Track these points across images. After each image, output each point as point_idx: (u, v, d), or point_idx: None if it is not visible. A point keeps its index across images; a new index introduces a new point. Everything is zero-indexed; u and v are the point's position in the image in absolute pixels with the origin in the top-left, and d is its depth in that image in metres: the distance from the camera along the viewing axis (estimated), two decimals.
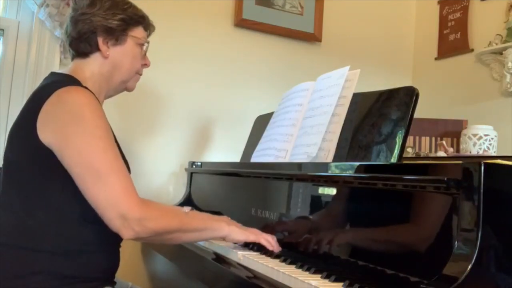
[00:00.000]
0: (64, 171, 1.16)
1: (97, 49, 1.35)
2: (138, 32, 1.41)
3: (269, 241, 1.32)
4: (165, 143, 2.31)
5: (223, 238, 1.33)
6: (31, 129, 1.18)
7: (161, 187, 2.29)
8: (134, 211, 1.12)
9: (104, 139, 1.17)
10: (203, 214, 1.47)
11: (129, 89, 1.48)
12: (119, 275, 1.39)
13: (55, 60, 2.08)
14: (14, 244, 1.19)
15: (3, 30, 2.08)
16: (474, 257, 0.85)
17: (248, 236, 1.32)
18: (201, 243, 1.51)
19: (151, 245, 2.05)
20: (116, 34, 1.36)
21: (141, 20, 1.42)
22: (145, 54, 1.46)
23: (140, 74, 1.48)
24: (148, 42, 1.45)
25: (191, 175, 2.17)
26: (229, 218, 1.41)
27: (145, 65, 1.48)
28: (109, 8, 1.35)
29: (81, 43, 1.35)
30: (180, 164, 2.32)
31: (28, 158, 1.21)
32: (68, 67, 1.38)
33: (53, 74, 1.35)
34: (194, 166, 2.15)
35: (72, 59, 1.39)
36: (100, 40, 1.34)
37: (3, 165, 1.28)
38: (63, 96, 1.19)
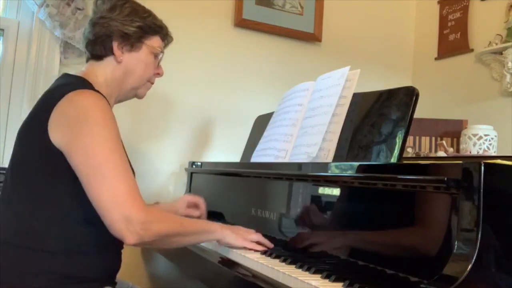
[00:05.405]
0: (72, 172, 1.17)
1: (111, 53, 1.36)
2: (154, 41, 1.42)
3: (259, 241, 1.36)
4: (165, 143, 2.30)
5: (218, 241, 1.36)
6: (42, 131, 1.18)
7: (161, 187, 2.29)
8: (139, 213, 1.12)
9: (112, 141, 1.17)
10: (196, 219, 1.48)
11: (139, 96, 1.49)
12: (120, 276, 1.38)
13: (55, 60, 2.08)
14: (16, 244, 1.19)
15: (3, 30, 2.08)
16: (474, 257, 0.85)
17: (238, 240, 1.35)
18: (201, 243, 1.51)
19: None
20: (132, 41, 1.37)
21: (158, 30, 1.43)
22: (159, 64, 1.47)
23: (152, 83, 1.49)
24: (163, 52, 1.46)
25: (191, 175, 2.17)
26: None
27: (158, 74, 1.49)
28: (128, 15, 1.36)
29: (96, 45, 1.36)
30: (180, 164, 2.31)
31: (38, 158, 1.21)
32: (82, 69, 1.39)
33: (66, 75, 1.36)
34: (194, 166, 2.15)
35: (87, 60, 1.40)
36: (115, 45, 1.35)
37: (10, 165, 1.28)
38: (74, 99, 1.20)
